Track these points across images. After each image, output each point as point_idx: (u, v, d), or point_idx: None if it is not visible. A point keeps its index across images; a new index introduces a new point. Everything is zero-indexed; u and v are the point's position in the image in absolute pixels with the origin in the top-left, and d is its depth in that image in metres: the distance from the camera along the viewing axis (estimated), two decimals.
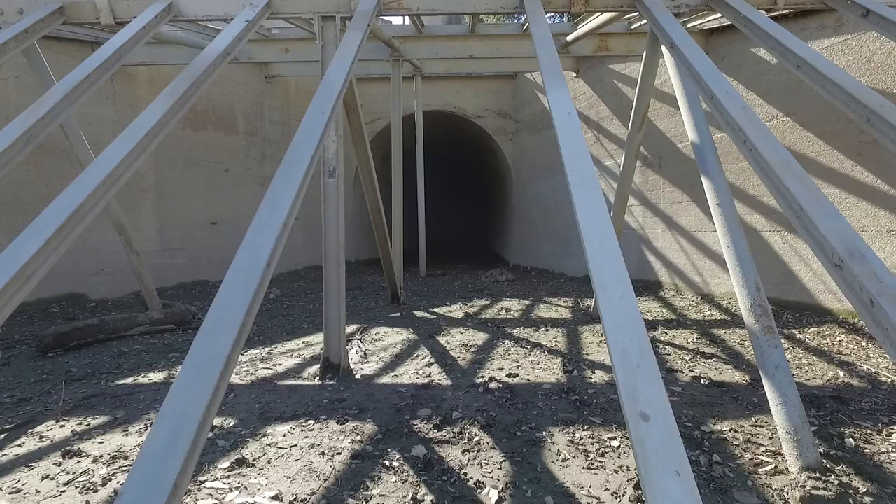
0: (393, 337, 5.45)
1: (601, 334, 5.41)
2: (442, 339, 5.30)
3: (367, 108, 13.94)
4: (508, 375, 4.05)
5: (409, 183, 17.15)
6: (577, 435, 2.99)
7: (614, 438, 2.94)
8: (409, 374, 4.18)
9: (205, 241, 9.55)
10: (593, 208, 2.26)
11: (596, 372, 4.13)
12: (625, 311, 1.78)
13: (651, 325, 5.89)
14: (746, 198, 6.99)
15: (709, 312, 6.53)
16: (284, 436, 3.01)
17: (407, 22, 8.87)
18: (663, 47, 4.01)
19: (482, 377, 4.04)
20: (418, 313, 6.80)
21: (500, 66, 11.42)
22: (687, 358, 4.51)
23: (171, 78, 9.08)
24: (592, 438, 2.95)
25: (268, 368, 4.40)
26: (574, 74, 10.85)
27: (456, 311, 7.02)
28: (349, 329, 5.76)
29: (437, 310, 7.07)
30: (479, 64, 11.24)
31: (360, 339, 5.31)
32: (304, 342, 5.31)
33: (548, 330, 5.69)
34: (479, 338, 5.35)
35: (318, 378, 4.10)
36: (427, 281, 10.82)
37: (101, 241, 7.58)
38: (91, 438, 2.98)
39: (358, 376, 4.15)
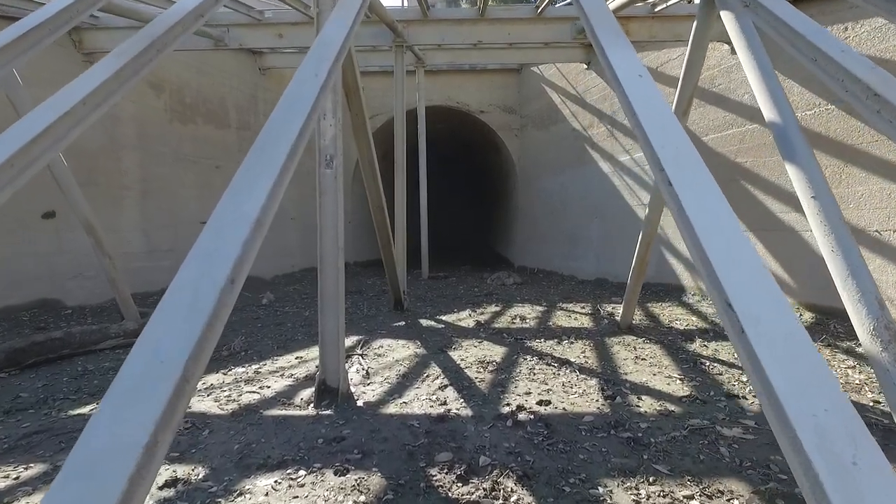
0: (399, 351, 4.75)
1: (634, 348, 4.74)
2: (454, 354, 4.61)
3: (366, 102, 13.23)
4: (540, 403, 3.36)
5: (411, 180, 16.46)
6: (643, 492, 2.30)
7: (692, 498, 2.26)
8: (420, 400, 3.49)
9: (193, 242, 8.83)
10: (706, 198, 1.57)
11: (643, 398, 3.45)
12: (803, 359, 1.08)
13: (686, 335, 5.21)
14: (783, 194, 6.32)
15: None
16: (267, 494, 2.32)
17: (409, 4, 8.19)
18: (723, 12, 3.31)
19: (508, 404, 3.35)
20: (424, 322, 6.11)
21: (507, 57, 10.73)
22: (743, 379, 3.84)
23: (157, 67, 8.39)
24: (664, 497, 2.26)
25: (253, 392, 3.70)
26: (585, 66, 10.18)
27: (465, 318, 6.34)
28: (348, 342, 5.08)
29: (444, 318, 6.39)
30: (486, 55, 10.55)
31: (362, 355, 4.61)
32: (297, 358, 4.61)
33: (572, 342, 5.01)
34: (495, 352, 4.67)
35: (312, 405, 3.41)
36: (430, 284, 10.13)
37: (78, 242, 6.85)
38: (14, 502, 2.28)
39: (360, 403, 3.46)
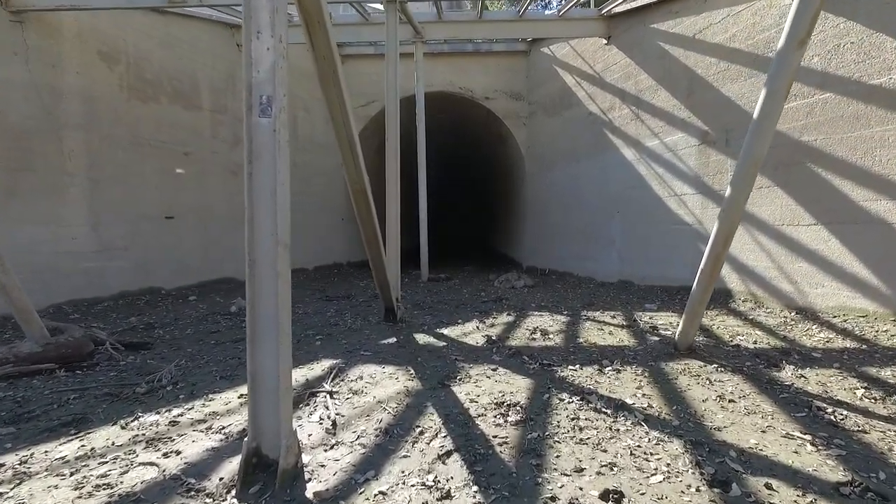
0: (383, 386, 3.37)
1: (709, 381, 3.33)
2: (460, 391, 3.23)
3: (358, 88, 11.89)
4: (605, 497, 1.99)
5: (408, 174, 15.09)
6: None
7: None
8: (407, 487, 2.11)
9: (157, 240, 7.49)
10: None
11: (774, 486, 2.05)
12: None
13: (764, 358, 3.81)
14: (869, 178, 4.95)
15: (826, 336, 4.49)
16: None
17: None
18: None
19: (554, 499, 1.98)
20: (421, 337, 4.74)
21: (518, 30, 9.36)
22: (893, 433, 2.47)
23: (108, 35, 7.02)
24: None
25: (149, 465, 2.32)
26: (604, 41, 8.80)
27: (472, 332, 4.97)
28: (319, 368, 3.71)
29: (446, 331, 5.02)
30: (494, 28, 9.19)
31: (331, 392, 3.23)
32: (243, 396, 3.24)
33: (618, 370, 3.62)
34: (517, 387, 3.29)
35: (234, 493, 2.05)
36: (430, 287, 8.76)
37: None
38: None
39: (310, 492, 2.09)
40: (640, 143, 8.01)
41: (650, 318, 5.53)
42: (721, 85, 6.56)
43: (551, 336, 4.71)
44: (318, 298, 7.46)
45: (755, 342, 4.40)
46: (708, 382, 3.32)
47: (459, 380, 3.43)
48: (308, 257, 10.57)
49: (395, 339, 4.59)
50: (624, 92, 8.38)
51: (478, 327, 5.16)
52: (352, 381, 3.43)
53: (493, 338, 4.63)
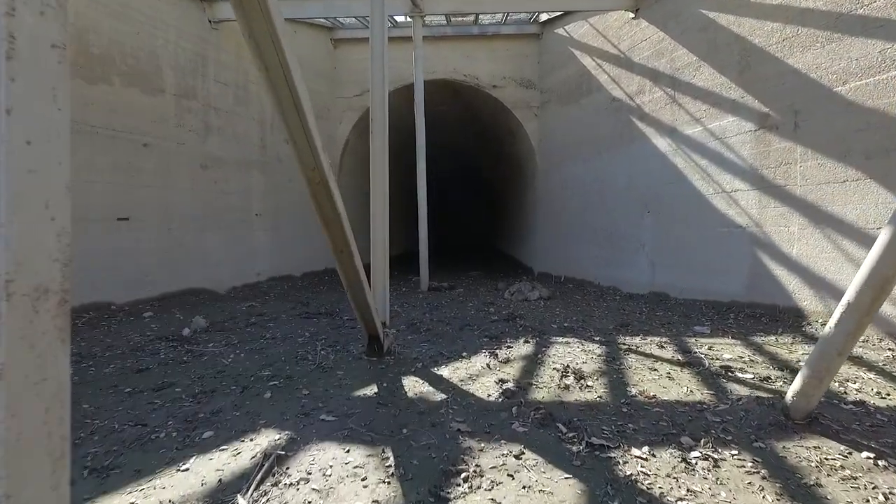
0: (339, 499, 2.05)
1: (875, 488, 2.03)
2: None
3: (353, 77, 10.57)
4: None
5: (407, 171, 13.76)
6: None
7: None
8: None
9: (107, 245, 6.19)
10: None
11: None
12: None
13: None
14: None
15: None
16: None
17: None
18: None
19: None
20: (412, 384, 3.41)
21: (533, 3, 8.05)
22: None
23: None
24: None
25: None
26: (631, 15, 7.46)
27: (481, 372, 3.65)
28: (250, 452, 2.39)
29: (446, 371, 3.69)
30: (508, 1, 7.88)
31: None
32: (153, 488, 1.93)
33: (714, 461, 2.25)
34: (560, 498, 1.99)
35: None
36: (431, 299, 7.44)
37: None
38: None
39: None
40: (676, 130, 6.67)
41: (710, 350, 4.19)
42: (787, 55, 5.21)
43: (590, 382, 3.37)
44: (296, 314, 6.15)
45: (880, 393, 3.06)
46: (871, 489, 1.99)
47: (464, 480, 2.10)
48: (295, 262, 9.26)
49: (374, 389, 3.26)
50: (656, 72, 7.03)
51: (488, 365, 3.83)
52: (291, 484, 2.10)
53: (511, 385, 3.30)
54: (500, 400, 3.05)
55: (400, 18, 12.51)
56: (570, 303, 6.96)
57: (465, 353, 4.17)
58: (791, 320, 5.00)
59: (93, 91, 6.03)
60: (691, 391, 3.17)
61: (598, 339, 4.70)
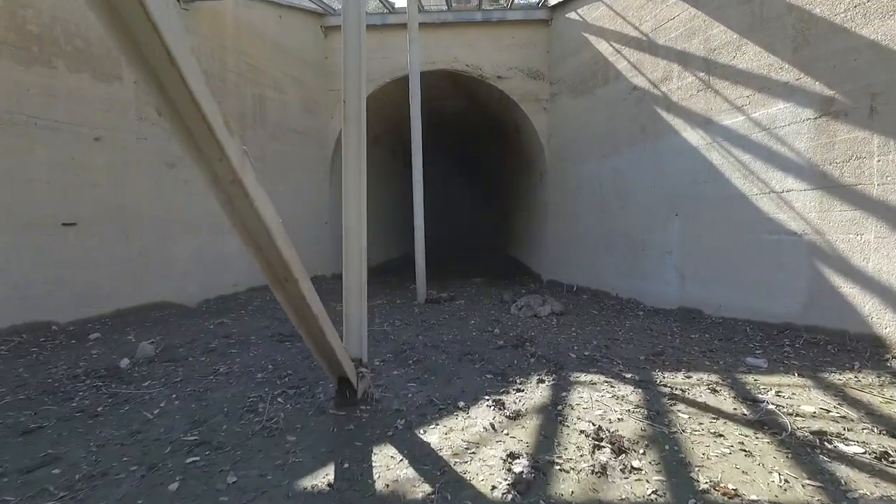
0: None
1: None
2: None
3: (341, 67, 9.61)
4: None
5: (400, 170, 12.75)
6: None
7: None
8: None
9: (49, 256, 5.23)
10: None
11: None
12: None
13: None
14: None
15: None
16: None
17: None
18: None
19: None
20: (385, 460, 2.40)
21: None
22: None
23: None
24: None
25: None
26: None
27: (482, 436, 2.64)
28: None
29: (435, 436, 2.67)
30: None
31: None
32: None
33: None
34: None
35: None
36: (427, 314, 6.45)
37: None
38: None
39: None
40: (711, 121, 5.65)
41: (781, 398, 3.17)
42: (861, 24, 4.19)
43: (635, 460, 2.37)
44: (268, 336, 5.17)
45: None
46: None
47: None
48: None
49: (331, 476, 2.27)
50: (686, 55, 6.02)
51: (493, 425, 2.82)
52: None
53: (524, 465, 2.29)
54: (510, 497, 2.05)
55: (399, 3, 11.52)
56: (586, 320, 5.95)
57: (462, 402, 3.17)
58: (868, 351, 3.98)
59: (29, 75, 5.07)
60: (786, 481, 2.17)
61: (629, 376, 3.69)
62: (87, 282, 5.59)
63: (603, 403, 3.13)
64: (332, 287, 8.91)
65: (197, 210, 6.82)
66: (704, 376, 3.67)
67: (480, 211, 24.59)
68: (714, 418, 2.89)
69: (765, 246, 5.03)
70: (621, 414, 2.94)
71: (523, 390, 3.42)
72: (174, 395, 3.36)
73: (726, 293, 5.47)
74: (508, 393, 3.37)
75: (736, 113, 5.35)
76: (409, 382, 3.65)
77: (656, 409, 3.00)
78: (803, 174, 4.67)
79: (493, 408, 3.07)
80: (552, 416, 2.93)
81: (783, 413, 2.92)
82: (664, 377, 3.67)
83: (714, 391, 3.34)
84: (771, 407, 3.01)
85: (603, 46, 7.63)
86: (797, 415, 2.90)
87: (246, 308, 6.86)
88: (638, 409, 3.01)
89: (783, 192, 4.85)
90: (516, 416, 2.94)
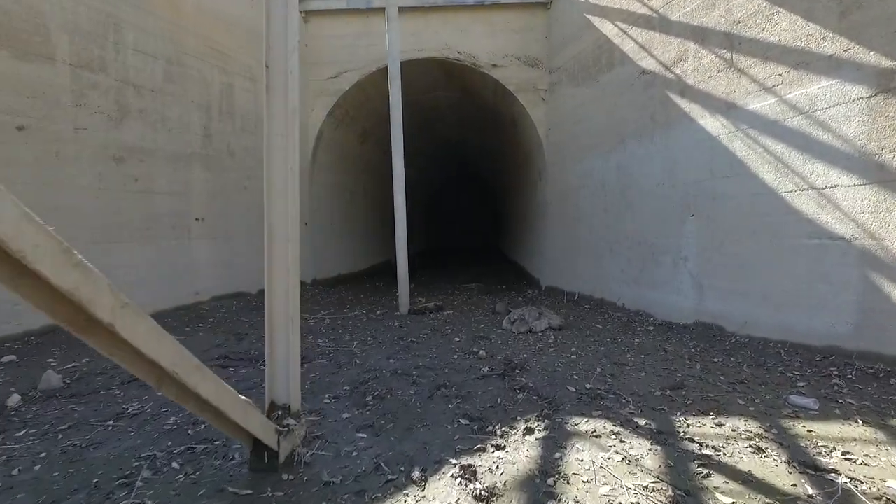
0: None
1: None
2: None
3: (325, 56, 8.76)
4: None
5: (384, 168, 11.92)
6: None
7: None
8: None
9: None
10: None
11: None
12: None
13: None
14: None
15: None
16: None
17: None
18: None
19: None
20: None
21: None
22: None
23: None
24: None
25: None
26: None
27: None
28: None
29: None
30: None
31: None
32: None
33: None
34: None
35: None
36: (406, 330, 5.60)
37: None
38: None
39: None
40: (734, 106, 4.79)
41: (849, 462, 2.31)
42: None
43: None
44: (211, 360, 4.34)
45: None
46: None
47: None
48: (251, 277, 7.45)
49: None
50: (704, 31, 5.16)
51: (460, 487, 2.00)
52: None
53: None
54: None
55: None
56: (589, 337, 5.09)
57: (419, 470, 2.32)
58: None
59: None
60: None
61: (643, 423, 2.83)
62: (8, 296, 4.76)
63: (610, 473, 2.27)
64: (311, 295, 8.08)
65: (151, 211, 6.00)
66: (741, 424, 2.80)
67: (479, 210, 23.71)
68: (764, 497, 2.03)
69: (802, 252, 4.17)
70: (637, 494, 2.09)
71: (504, 447, 2.57)
72: (44, 454, 2.53)
73: (753, 307, 4.60)
74: (485, 451, 2.52)
75: (765, 95, 4.48)
76: (359, 431, 2.80)
77: (685, 487, 2.14)
78: (853, 166, 3.80)
79: (459, 480, 2.21)
80: (539, 498, 2.08)
81: (864, 494, 2.06)
82: (688, 425, 2.80)
83: (758, 450, 2.48)
84: (844, 481, 2.16)
85: (607, 28, 6.77)
86: (876, 495, 2.04)
87: (206, 320, 6.04)
88: (659, 485, 2.15)
89: (826, 187, 3.99)
90: (489, 497, 2.09)
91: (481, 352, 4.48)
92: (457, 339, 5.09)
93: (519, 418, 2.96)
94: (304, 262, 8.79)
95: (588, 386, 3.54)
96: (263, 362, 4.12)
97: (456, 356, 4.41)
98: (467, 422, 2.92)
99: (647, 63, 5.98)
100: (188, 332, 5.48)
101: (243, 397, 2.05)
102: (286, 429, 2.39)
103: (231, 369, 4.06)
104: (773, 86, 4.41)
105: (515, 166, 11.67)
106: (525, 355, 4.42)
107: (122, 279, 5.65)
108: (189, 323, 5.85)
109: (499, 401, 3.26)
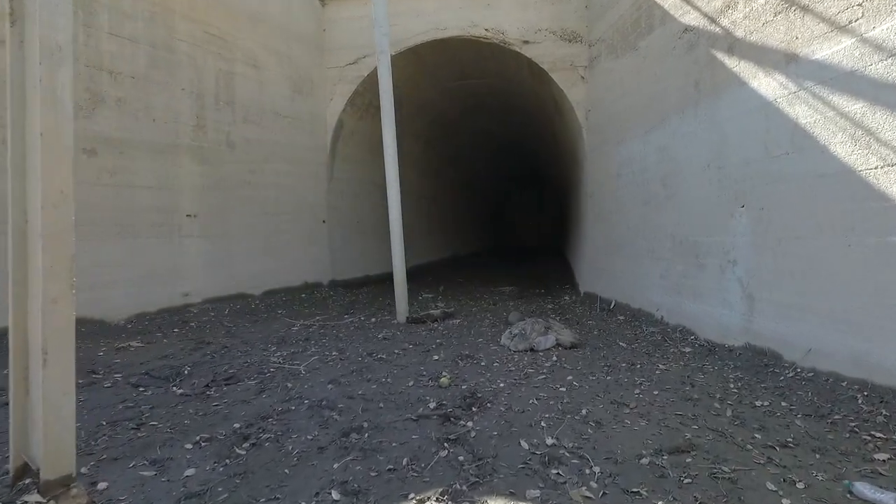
0: None
1: None
2: None
3: (342, 40, 8.07)
4: None
5: (449, 162, 11.14)
6: None
7: None
8: None
9: None
10: None
11: None
12: None
13: None
14: None
15: None
16: None
17: None
18: None
19: None
20: None
21: None
22: None
23: None
24: None
25: None
26: None
27: None
28: None
29: None
30: None
31: None
32: None
33: None
34: None
35: None
36: (387, 343, 4.73)
37: None
38: None
39: None
40: (796, 57, 3.50)
41: None
42: None
43: None
44: (134, 374, 3.69)
45: None
46: None
47: None
48: (252, 277, 6.88)
49: None
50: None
51: None
52: None
53: None
54: None
55: None
56: (600, 361, 3.98)
57: None
58: None
59: None
60: None
61: None
62: None
63: None
64: (321, 297, 7.44)
65: (129, 206, 5.55)
66: None
67: (547, 209, 22.38)
68: None
69: (890, 254, 2.86)
70: None
71: None
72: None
73: (820, 329, 3.30)
74: None
75: (838, 36, 3.18)
76: (183, 501, 1.98)
77: None
78: None
79: None
80: None
81: None
82: None
83: None
84: None
85: None
86: None
87: (186, 325, 5.51)
88: None
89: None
90: None
91: (442, 379, 3.51)
92: (435, 358, 4.16)
93: (413, 496, 2.00)
94: (322, 263, 8.16)
95: (550, 441, 2.50)
96: (178, 383, 3.42)
97: (411, 383, 3.48)
98: (338, 496, 2.01)
99: (690, 18, 4.72)
100: (156, 337, 4.94)
101: None
102: None
103: (140, 388, 3.39)
104: (850, 21, 3.10)
105: (562, 156, 10.46)
106: (500, 385, 3.41)
107: (94, 279, 5.19)
108: (166, 327, 5.33)
109: (410, 460, 2.32)
